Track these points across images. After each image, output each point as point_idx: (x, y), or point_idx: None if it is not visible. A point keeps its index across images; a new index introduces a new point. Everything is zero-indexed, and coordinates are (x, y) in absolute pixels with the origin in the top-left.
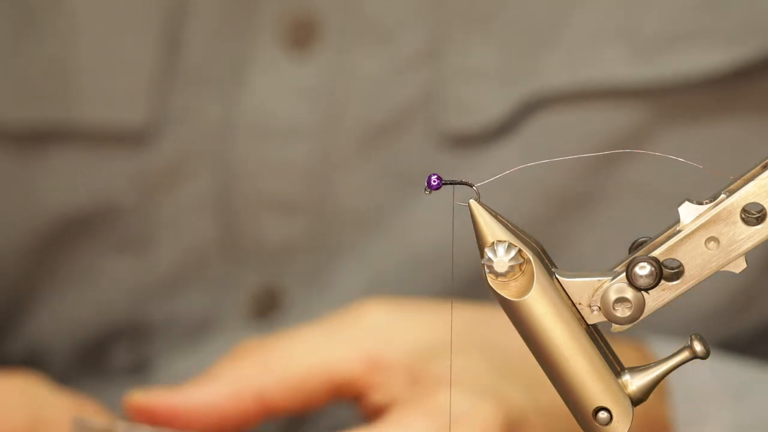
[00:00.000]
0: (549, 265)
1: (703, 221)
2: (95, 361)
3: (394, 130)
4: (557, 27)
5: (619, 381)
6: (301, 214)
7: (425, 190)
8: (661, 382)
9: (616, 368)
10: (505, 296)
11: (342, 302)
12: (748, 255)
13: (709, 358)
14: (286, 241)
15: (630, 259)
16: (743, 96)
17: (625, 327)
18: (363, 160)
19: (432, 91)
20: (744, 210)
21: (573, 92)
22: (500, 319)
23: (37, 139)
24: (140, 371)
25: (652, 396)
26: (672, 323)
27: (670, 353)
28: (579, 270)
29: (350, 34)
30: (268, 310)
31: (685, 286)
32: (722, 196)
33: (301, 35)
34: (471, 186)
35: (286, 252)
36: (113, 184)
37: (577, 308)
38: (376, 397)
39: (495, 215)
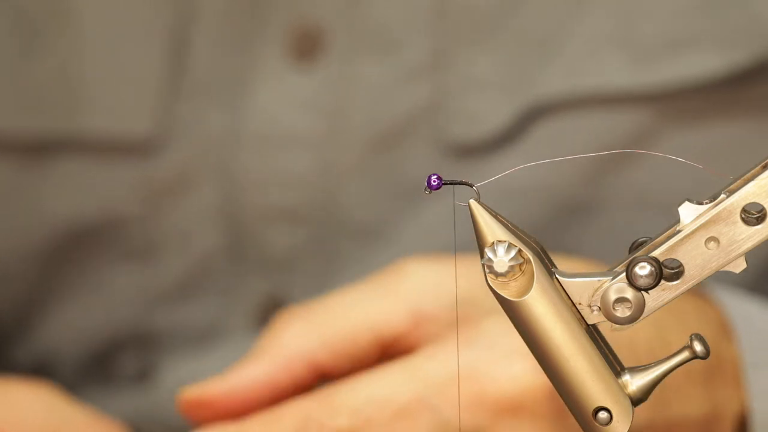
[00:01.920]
0: (549, 265)
1: (703, 221)
2: (102, 370)
3: (398, 140)
4: (558, 37)
5: (619, 381)
6: (306, 224)
7: (425, 190)
8: (726, 325)
9: (616, 368)
10: (505, 296)
11: None
12: (748, 255)
13: None
14: (290, 249)
15: (630, 259)
16: (741, 100)
17: (625, 327)
18: (367, 170)
19: (436, 101)
20: (744, 210)
21: (574, 100)
22: None
23: (44, 149)
24: (146, 379)
25: (720, 337)
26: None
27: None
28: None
29: (355, 45)
30: (273, 318)
31: (685, 286)
32: (722, 196)
33: (306, 46)
34: (471, 186)
35: (290, 261)
36: (119, 194)
37: (577, 308)
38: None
39: (495, 215)
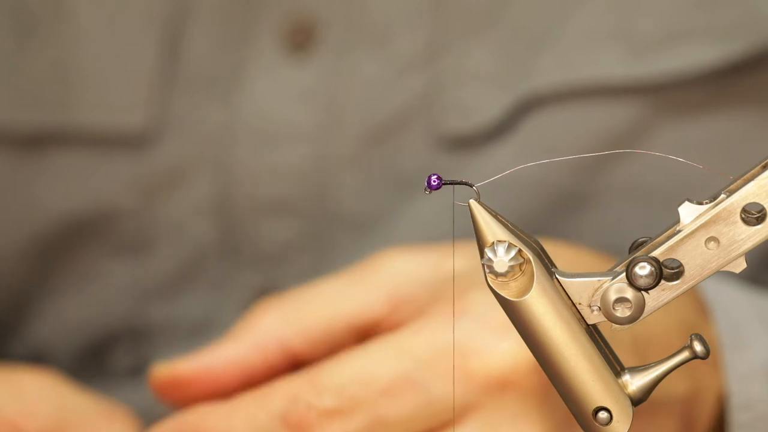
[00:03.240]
0: (549, 265)
1: (703, 221)
2: (96, 363)
3: (393, 133)
4: (553, 28)
5: (619, 381)
6: (300, 217)
7: (425, 190)
8: (704, 306)
9: (616, 368)
10: (505, 296)
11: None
12: (748, 255)
13: (746, 289)
14: (284, 243)
15: (630, 259)
16: (737, 92)
17: (625, 327)
18: (362, 163)
19: (430, 94)
20: (744, 210)
21: (569, 91)
22: None
23: (38, 142)
24: (140, 373)
25: (698, 318)
26: None
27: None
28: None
29: (349, 37)
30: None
31: (685, 286)
32: (722, 196)
33: (301, 38)
34: (471, 186)
35: (284, 254)
36: (113, 187)
37: (577, 308)
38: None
39: (495, 215)
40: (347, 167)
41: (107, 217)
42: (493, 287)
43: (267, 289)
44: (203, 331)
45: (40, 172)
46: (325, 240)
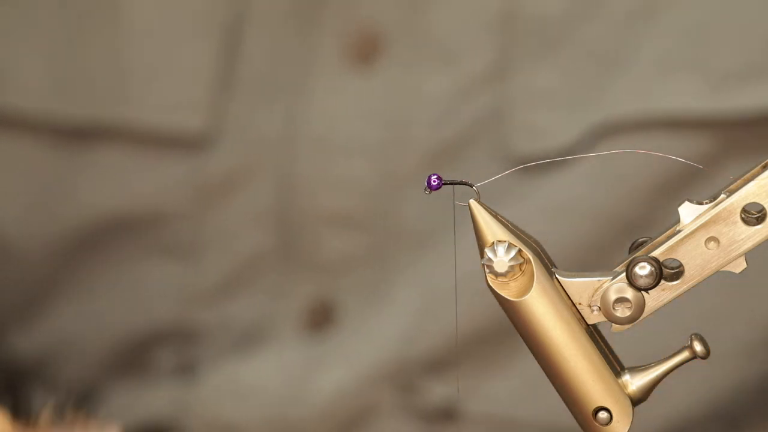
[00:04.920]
0: (549, 265)
1: (703, 221)
2: (137, 363)
3: (458, 151)
4: (626, 54)
5: (619, 381)
6: (361, 230)
7: (425, 190)
8: None
9: (616, 368)
10: (505, 296)
11: (396, 319)
12: (748, 255)
13: None
14: (343, 255)
15: (630, 259)
16: None
17: (625, 327)
18: (425, 179)
19: (497, 113)
20: (744, 210)
21: (640, 121)
22: None
23: (87, 136)
24: (186, 374)
25: None
26: None
27: None
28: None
29: (415, 52)
30: (322, 322)
31: (685, 286)
32: (722, 196)
33: (365, 51)
34: (471, 186)
35: (343, 266)
36: (163, 189)
37: (577, 308)
38: None
39: (495, 215)
40: (411, 184)
41: (155, 219)
42: (493, 287)
43: (322, 299)
44: (255, 337)
45: (85, 167)
46: (385, 255)
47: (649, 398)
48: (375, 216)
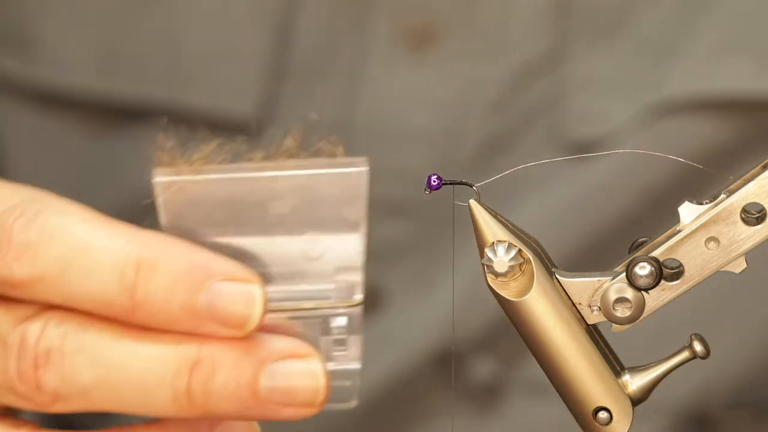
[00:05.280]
0: (549, 265)
1: (703, 221)
2: None
3: (512, 138)
4: (680, 40)
5: (619, 381)
6: (413, 219)
7: (425, 190)
8: None
9: (616, 368)
10: (505, 296)
11: (442, 306)
12: (748, 255)
13: None
14: (394, 243)
15: (630, 259)
16: None
17: (625, 327)
18: (480, 167)
19: (552, 100)
20: (744, 210)
21: (693, 104)
22: None
23: (136, 116)
24: None
25: None
26: None
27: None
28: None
29: (469, 40)
30: (369, 308)
31: (685, 286)
32: (722, 196)
33: (420, 37)
34: (471, 186)
35: (393, 254)
36: None
37: (577, 308)
38: None
39: (495, 215)
40: (465, 172)
41: None
42: (493, 287)
43: (370, 285)
44: None
45: (132, 147)
46: (437, 244)
47: (649, 398)
48: (428, 205)
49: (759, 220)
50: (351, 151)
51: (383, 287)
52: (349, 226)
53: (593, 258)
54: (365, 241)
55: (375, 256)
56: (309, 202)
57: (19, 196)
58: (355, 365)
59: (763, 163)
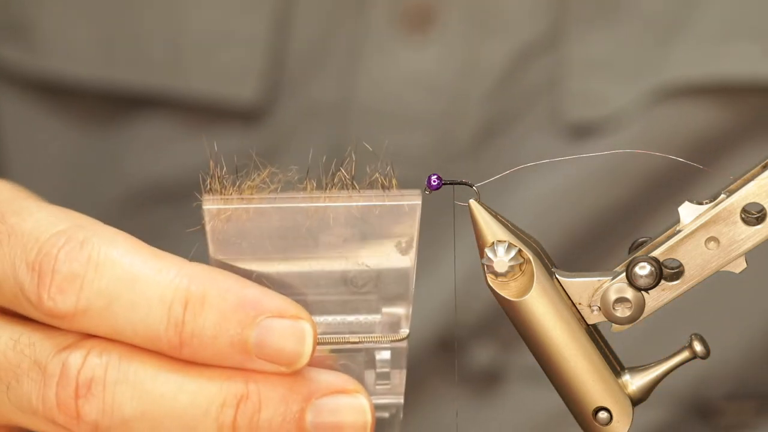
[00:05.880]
0: (549, 265)
1: (703, 221)
2: None
3: (512, 119)
4: (680, 22)
5: (619, 381)
6: None
7: (425, 190)
8: None
9: (616, 368)
10: (505, 296)
11: (443, 288)
12: (748, 255)
13: None
14: None
15: (630, 259)
16: None
17: (625, 327)
18: (481, 149)
19: (553, 81)
20: (744, 210)
21: (694, 87)
22: None
23: (136, 104)
24: None
25: None
26: None
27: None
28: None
29: (469, 22)
30: None
31: (685, 286)
32: (722, 196)
33: (418, 20)
34: (471, 186)
35: None
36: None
37: (577, 308)
38: None
39: (495, 215)
40: (466, 154)
41: (199, 189)
42: (493, 287)
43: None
44: None
45: (133, 135)
46: (438, 227)
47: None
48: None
49: (759, 220)
50: (347, 132)
51: None
52: (399, 259)
53: (590, 249)
54: (414, 274)
55: None
56: (360, 234)
57: (64, 223)
58: (398, 399)
59: (763, 163)
